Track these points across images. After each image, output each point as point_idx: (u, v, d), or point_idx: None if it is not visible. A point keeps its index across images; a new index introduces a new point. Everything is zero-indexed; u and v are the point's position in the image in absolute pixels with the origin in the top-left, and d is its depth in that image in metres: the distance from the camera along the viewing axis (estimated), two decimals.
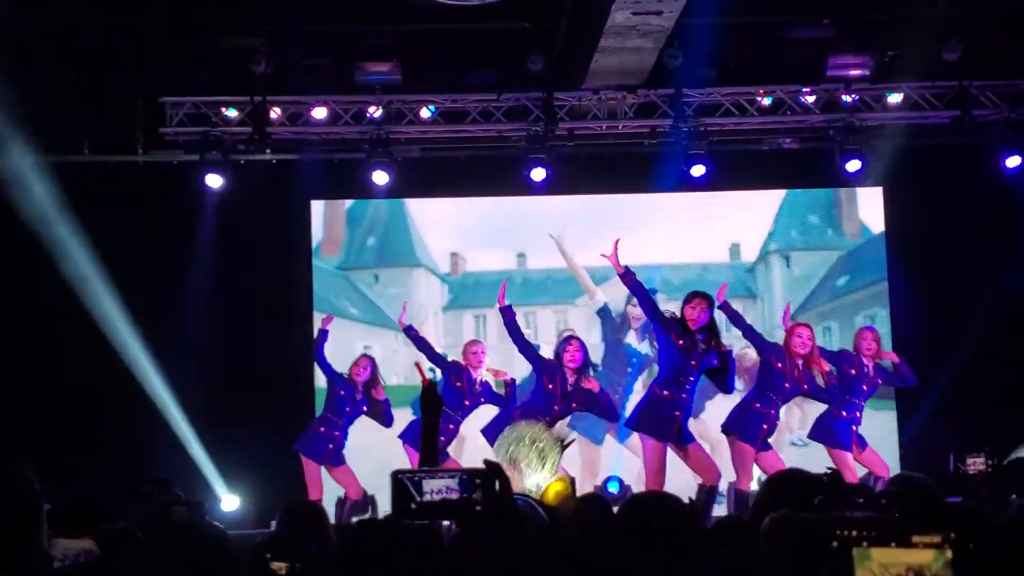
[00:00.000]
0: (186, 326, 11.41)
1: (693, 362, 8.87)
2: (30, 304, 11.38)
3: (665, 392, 8.87)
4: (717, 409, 10.21)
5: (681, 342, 8.85)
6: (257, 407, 11.30)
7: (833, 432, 9.69)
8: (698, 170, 11.60)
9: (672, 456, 8.96)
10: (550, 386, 9.29)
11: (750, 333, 9.50)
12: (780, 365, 9.32)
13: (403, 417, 10.46)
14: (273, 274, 11.91)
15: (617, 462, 10.92)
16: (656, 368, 9.68)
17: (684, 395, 8.89)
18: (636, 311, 10.73)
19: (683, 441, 8.96)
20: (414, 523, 2.06)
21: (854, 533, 1.91)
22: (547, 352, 9.74)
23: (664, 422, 8.84)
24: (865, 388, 9.80)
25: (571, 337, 9.73)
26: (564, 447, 6.67)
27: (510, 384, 9.94)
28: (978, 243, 11.99)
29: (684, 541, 3.45)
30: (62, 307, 11.25)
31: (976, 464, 6.98)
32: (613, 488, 10.42)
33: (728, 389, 9.21)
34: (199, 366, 11.34)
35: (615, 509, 4.58)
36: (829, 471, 3.77)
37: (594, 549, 4.12)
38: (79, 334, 11.20)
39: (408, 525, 2.08)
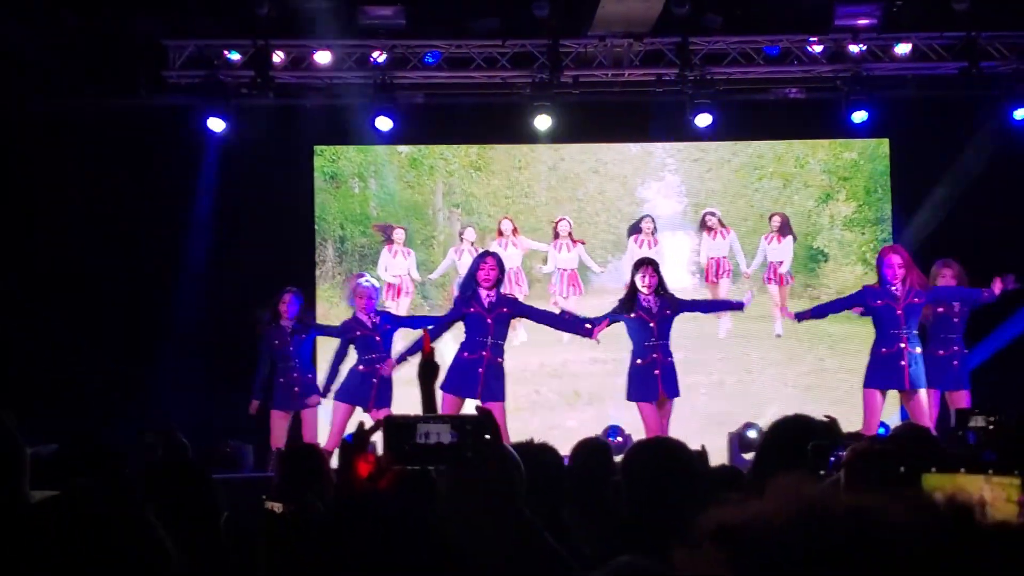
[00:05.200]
0: (187, 269, 11.41)
1: (652, 324, 9.28)
2: (33, 253, 11.38)
3: (639, 360, 9.32)
4: None
5: (634, 315, 9.30)
6: (256, 352, 11.28)
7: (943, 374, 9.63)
8: (704, 119, 11.54)
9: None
10: (473, 309, 9.26)
11: (841, 304, 9.87)
12: (880, 302, 9.23)
13: None
14: (275, 218, 11.87)
15: (616, 416, 10.94)
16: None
17: (656, 355, 9.27)
18: None
19: (670, 395, 9.35)
20: (409, 469, 2.06)
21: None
22: None
23: (649, 386, 9.27)
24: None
25: (487, 253, 9.60)
26: None
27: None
28: (984, 196, 11.91)
29: (689, 484, 3.48)
30: (64, 255, 11.26)
31: (977, 422, 6.93)
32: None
33: (706, 309, 10.41)
34: (200, 309, 11.33)
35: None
36: (827, 418, 3.79)
37: (595, 489, 4.15)
38: (81, 281, 11.22)
39: (405, 471, 2.07)
